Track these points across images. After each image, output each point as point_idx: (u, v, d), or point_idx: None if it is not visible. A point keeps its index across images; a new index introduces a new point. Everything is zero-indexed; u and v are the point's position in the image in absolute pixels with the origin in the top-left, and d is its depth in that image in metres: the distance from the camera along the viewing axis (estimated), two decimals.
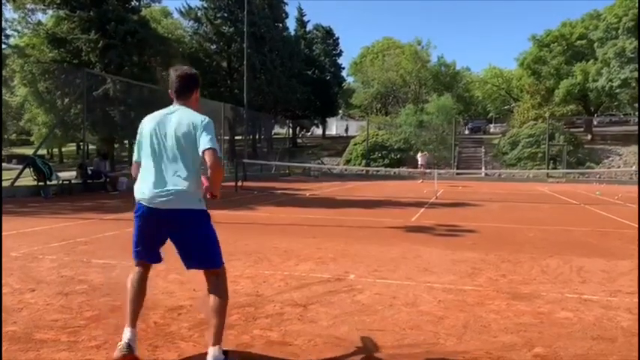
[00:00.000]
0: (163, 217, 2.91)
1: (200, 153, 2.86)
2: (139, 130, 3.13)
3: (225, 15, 36.91)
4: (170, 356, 2.95)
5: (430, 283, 4.75)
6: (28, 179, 14.90)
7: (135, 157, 3.12)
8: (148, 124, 3.09)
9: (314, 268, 5.37)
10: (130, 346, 2.82)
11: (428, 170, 24.91)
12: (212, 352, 2.76)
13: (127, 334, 2.88)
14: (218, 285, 2.95)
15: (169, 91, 3.13)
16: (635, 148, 33.71)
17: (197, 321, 3.57)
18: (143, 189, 2.95)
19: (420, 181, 24.80)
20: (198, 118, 2.95)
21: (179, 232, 2.95)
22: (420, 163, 25.82)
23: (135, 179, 3.07)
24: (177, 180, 2.91)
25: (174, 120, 2.98)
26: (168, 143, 2.94)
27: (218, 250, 3.01)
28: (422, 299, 4.23)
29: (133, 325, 2.94)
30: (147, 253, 3.07)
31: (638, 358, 3.01)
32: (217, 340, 2.80)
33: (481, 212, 11.91)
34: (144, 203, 2.94)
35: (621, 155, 33.72)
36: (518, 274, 5.20)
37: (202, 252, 2.98)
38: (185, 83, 3.10)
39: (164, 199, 2.89)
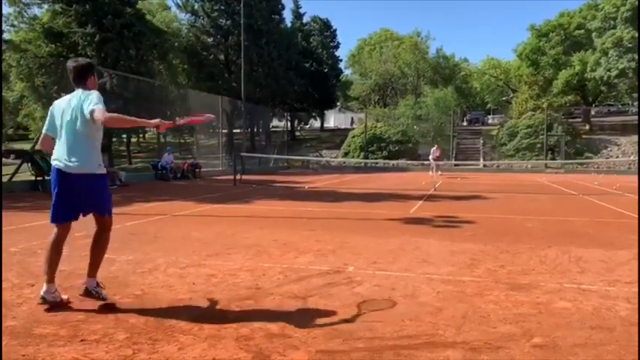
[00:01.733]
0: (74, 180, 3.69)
1: (88, 117, 3.53)
2: (49, 111, 3.83)
3: (222, 8, 36.68)
4: (170, 349, 2.95)
5: (429, 275, 4.76)
6: (26, 174, 14.87)
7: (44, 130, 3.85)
8: (55, 109, 3.79)
9: (313, 260, 5.38)
10: (43, 298, 3.63)
11: (441, 162, 24.64)
12: (89, 281, 3.80)
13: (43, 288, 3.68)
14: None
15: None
16: (632, 137, 33.75)
17: (196, 314, 3.57)
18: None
19: (439, 173, 23.95)
20: (81, 93, 3.65)
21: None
22: (435, 155, 24.81)
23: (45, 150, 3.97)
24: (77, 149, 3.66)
25: (73, 100, 3.67)
26: (67, 119, 3.65)
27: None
28: (421, 290, 4.24)
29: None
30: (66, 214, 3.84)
31: (639, 347, 3.02)
32: (95, 273, 3.84)
33: (479, 203, 11.92)
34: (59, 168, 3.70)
35: (619, 145, 33.75)
36: (516, 265, 5.21)
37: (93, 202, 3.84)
38: (78, 72, 3.75)
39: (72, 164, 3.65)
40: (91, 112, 3.49)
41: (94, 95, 3.59)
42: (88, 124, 3.60)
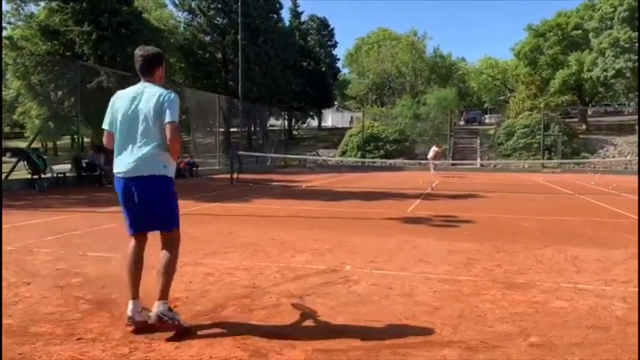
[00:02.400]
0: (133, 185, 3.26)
1: (165, 126, 3.17)
2: (109, 104, 3.44)
3: (219, 6, 36.63)
4: (166, 348, 2.94)
5: (426, 274, 4.77)
6: (22, 172, 14.82)
7: (106, 126, 3.43)
8: (118, 101, 3.38)
9: (310, 259, 5.38)
10: (131, 318, 3.17)
11: (438, 162, 24.65)
12: (157, 305, 3.14)
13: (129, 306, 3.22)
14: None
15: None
16: (629, 138, 33.85)
17: (193, 313, 3.57)
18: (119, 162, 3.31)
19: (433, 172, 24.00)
20: (162, 92, 3.24)
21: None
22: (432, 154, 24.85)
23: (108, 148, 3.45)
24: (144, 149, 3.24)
25: (144, 97, 3.27)
26: (140, 118, 3.24)
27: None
28: (418, 290, 4.24)
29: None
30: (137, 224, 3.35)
31: (639, 347, 3.03)
32: (164, 296, 3.19)
33: (476, 203, 11.94)
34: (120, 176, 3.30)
35: (616, 145, 33.82)
36: (513, 264, 5.22)
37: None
38: (148, 62, 3.36)
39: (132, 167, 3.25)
40: (167, 124, 3.17)
41: (176, 105, 3.22)
42: (160, 128, 3.22)
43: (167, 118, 3.16)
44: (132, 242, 3.37)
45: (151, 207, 3.27)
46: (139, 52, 3.38)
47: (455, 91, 42.98)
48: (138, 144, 3.23)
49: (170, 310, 3.19)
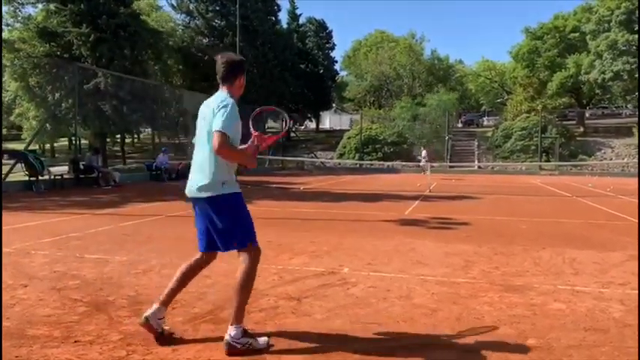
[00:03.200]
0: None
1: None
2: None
3: (217, 8, 36.65)
4: (164, 350, 2.94)
5: (424, 276, 4.77)
6: (19, 174, 14.79)
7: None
8: (199, 113, 3.20)
9: (308, 261, 5.37)
10: (147, 319, 3.02)
11: (422, 164, 24.98)
12: (229, 330, 2.94)
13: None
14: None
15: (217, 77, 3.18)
16: (626, 140, 33.95)
17: (191, 315, 3.56)
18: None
19: (424, 173, 24.44)
20: (219, 99, 3.04)
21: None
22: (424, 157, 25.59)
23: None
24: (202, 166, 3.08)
25: (209, 105, 3.10)
26: (203, 128, 3.10)
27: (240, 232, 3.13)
28: (415, 292, 4.24)
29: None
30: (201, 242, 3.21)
31: (639, 348, 3.03)
32: (235, 320, 2.96)
33: (474, 205, 11.95)
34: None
35: (613, 147, 33.92)
36: (511, 267, 5.23)
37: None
38: (230, 69, 3.15)
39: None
40: (214, 132, 2.91)
41: (229, 111, 2.94)
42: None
43: (215, 126, 2.91)
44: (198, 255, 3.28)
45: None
46: (221, 58, 3.18)
47: (456, 95, 43.03)
48: (197, 158, 3.15)
49: (245, 334, 2.96)
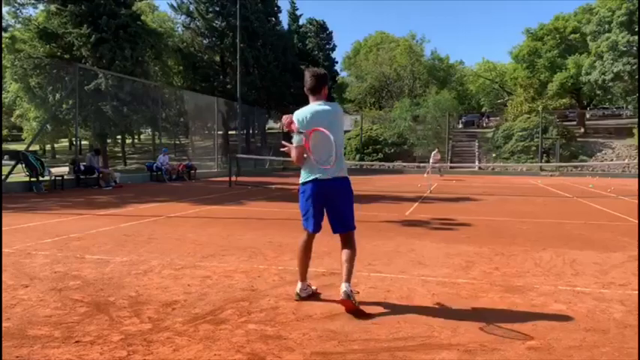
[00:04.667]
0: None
1: None
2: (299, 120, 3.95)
3: (217, 9, 36.68)
4: (164, 351, 2.94)
5: (424, 277, 4.76)
6: (20, 175, 14.80)
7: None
8: (305, 117, 3.95)
9: None
10: (298, 294, 3.95)
11: (437, 165, 25.04)
12: (343, 286, 3.62)
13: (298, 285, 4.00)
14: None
15: (305, 88, 3.93)
16: (627, 141, 33.94)
17: (191, 316, 3.56)
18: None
19: (434, 176, 24.24)
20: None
21: None
22: (436, 159, 25.57)
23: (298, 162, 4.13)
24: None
25: (326, 113, 3.85)
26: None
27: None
28: (416, 292, 4.24)
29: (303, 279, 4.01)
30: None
31: (638, 349, 3.03)
32: (347, 278, 3.65)
33: (475, 206, 11.95)
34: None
35: (614, 148, 33.92)
36: (511, 267, 5.22)
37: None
38: (319, 81, 3.87)
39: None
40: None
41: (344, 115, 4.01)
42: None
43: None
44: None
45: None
46: (308, 72, 3.87)
47: (453, 94, 42.97)
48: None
49: (352, 291, 3.64)
